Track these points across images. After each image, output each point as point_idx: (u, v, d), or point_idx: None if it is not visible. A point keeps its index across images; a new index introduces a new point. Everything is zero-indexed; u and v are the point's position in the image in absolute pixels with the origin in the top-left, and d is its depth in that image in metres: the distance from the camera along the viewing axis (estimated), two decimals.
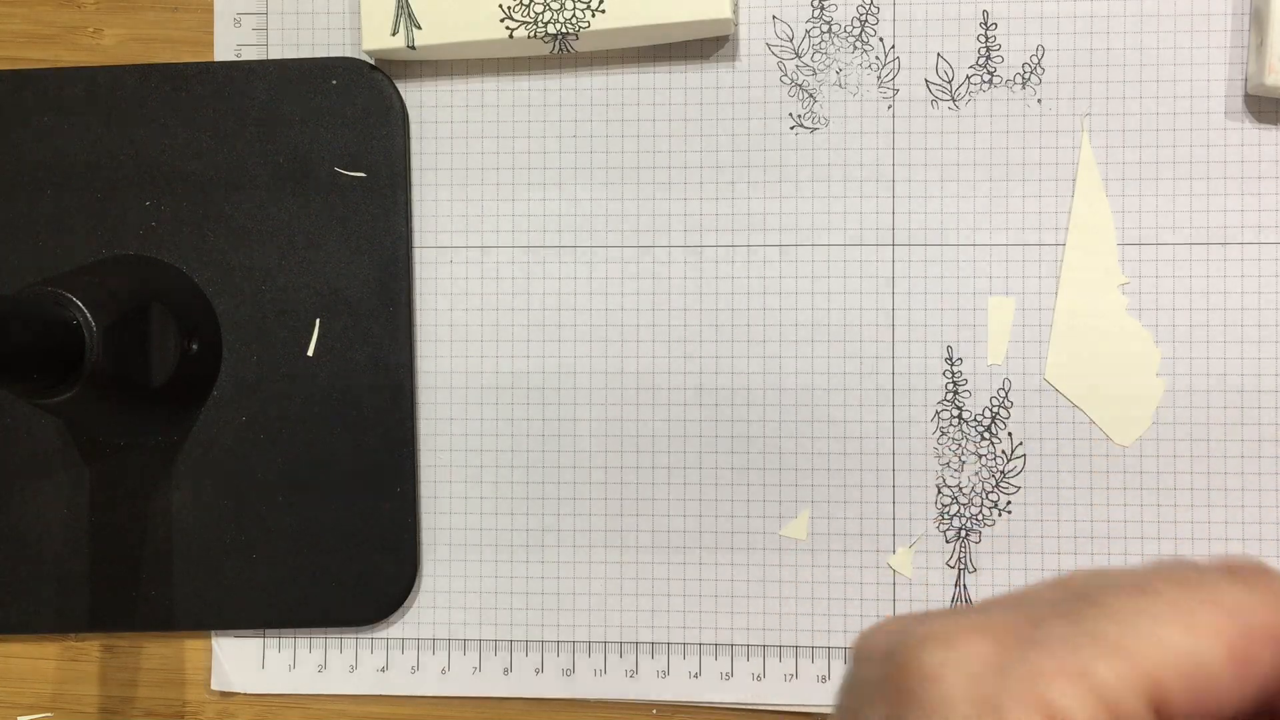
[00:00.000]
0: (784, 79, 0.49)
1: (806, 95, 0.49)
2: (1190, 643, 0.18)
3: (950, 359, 0.48)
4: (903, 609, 0.49)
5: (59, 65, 0.51)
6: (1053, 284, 0.48)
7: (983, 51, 0.48)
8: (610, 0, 0.47)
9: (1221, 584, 0.19)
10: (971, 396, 0.48)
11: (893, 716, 0.19)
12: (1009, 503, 0.48)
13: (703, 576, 0.49)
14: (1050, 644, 0.19)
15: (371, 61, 0.50)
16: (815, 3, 0.49)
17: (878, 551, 0.48)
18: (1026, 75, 0.48)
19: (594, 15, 0.47)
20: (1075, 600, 0.19)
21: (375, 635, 0.50)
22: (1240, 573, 0.19)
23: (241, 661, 0.50)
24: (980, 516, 0.48)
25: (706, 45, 0.49)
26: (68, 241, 0.50)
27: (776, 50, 0.49)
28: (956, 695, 0.19)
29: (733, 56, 0.49)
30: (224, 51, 0.51)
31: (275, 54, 0.51)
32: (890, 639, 0.21)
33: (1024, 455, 0.48)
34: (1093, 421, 0.48)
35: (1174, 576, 0.19)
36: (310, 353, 0.49)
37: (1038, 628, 0.19)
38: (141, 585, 0.50)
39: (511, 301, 0.50)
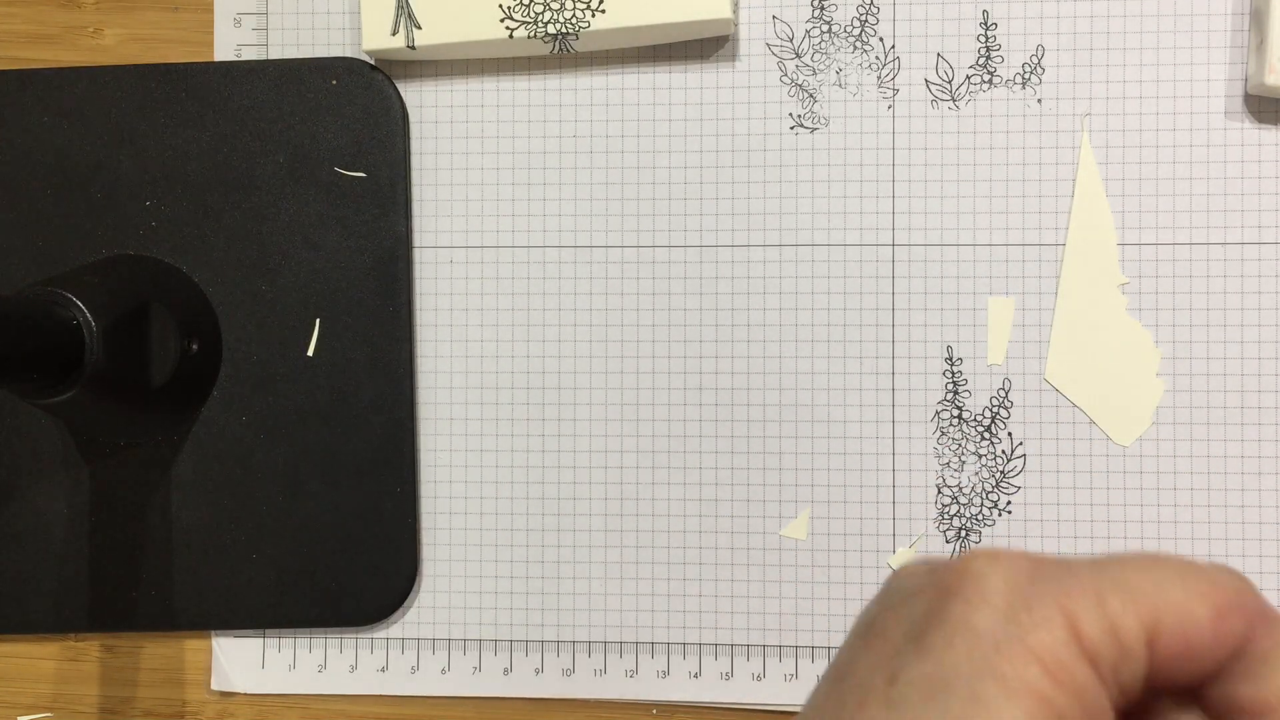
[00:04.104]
0: (784, 79, 0.49)
1: (806, 95, 0.49)
2: (1185, 597, 0.22)
3: (950, 359, 0.48)
4: None
5: (59, 65, 0.51)
6: (1053, 284, 0.48)
7: (983, 51, 0.48)
8: (610, 0, 0.47)
9: (1214, 567, 0.23)
10: (971, 396, 0.48)
11: (933, 609, 0.23)
12: (1009, 503, 0.48)
13: (703, 576, 0.49)
14: (1078, 573, 0.23)
15: (371, 61, 0.50)
16: (815, 3, 0.49)
17: (878, 551, 0.48)
18: (1026, 75, 0.48)
19: (594, 15, 0.47)
20: (1100, 557, 0.24)
21: (375, 635, 0.50)
22: (1228, 567, 0.23)
23: (241, 661, 0.50)
24: (980, 516, 0.48)
25: (706, 45, 0.49)
26: (68, 241, 0.50)
27: (776, 50, 0.49)
28: (996, 590, 0.22)
29: (733, 56, 0.49)
30: (224, 51, 0.51)
31: (275, 54, 0.51)
32: (934, 561, 0.25)
33: (1024, 455, 0.48)
34: (1093, 421, 0.48)
35: (1179, 557, 0.23)
36: (310, 352, 0.49)
37: (1069, 564, 0.23)
38: (141, 585, 0.50)
39: (511, 301, 0.50)
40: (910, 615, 0.23)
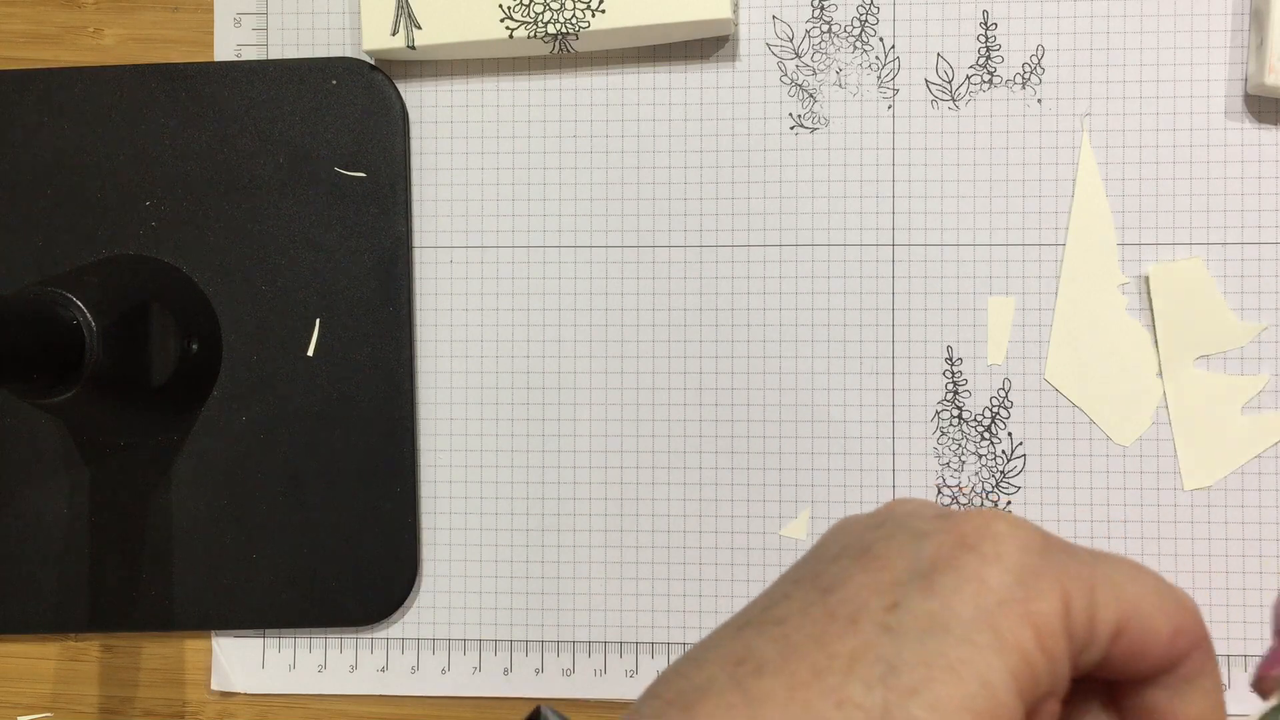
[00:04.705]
0: (784, 79, 0.49)
1: (806, 95, 0.49)
2: (1154, 609, 0.25)
3: (950, 359, 0.48)
4: None
5: (59, 65, 0.51)
6: (1053, 284, 0.48)
7: (983, 51, 0.48)
8: (610, 0, 0.47)
9: (1180, 592, 0.26)
10: (971, 396, 0.48)
11: (945, 554, 0.24)
12: (1009, 503, 0.48)
13: (703, 576, 0.49)
14: (1079, 558, 0.25)
15: (371, 61, 0.50)
16: (815, 3, 0.49)
17: None
18: (1026, 75, 0.48)
19: (594, 15, 0.47)
20: (1096, 551, 0.26)
21: (375, 635, 0.50)
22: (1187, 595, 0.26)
23: (241, 661, 0.50)
24: None
25: (706, 45, 0.49)
26: (68, 241, 0.50)
27: (776, 50, 0.49)
28: (1012, 553, 0.24)
29: (733, 56, 0.49)
30: (224, 51, 0.51)
31: (275, 54, 0.51)
32: (937, 507, 0.26)
33: (1024, 455, 0.48)
34: (1093, 421, 0.48)
35: (1157, 575, 0.26)
36: (310, 353, 0.49)
37: (1073, 549, 0.25)
38: (141, 585, 0.50)
39: (511, 301, 0.50)
40: (917, 552, 0.25)
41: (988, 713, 0.22)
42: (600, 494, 0.49)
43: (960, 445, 0.48)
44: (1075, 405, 0.48)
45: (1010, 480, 0.48)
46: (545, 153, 0.50)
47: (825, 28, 0.49)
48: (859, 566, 0.25)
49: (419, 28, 0.48)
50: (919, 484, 0.48)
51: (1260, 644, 0.47)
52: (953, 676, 0.22)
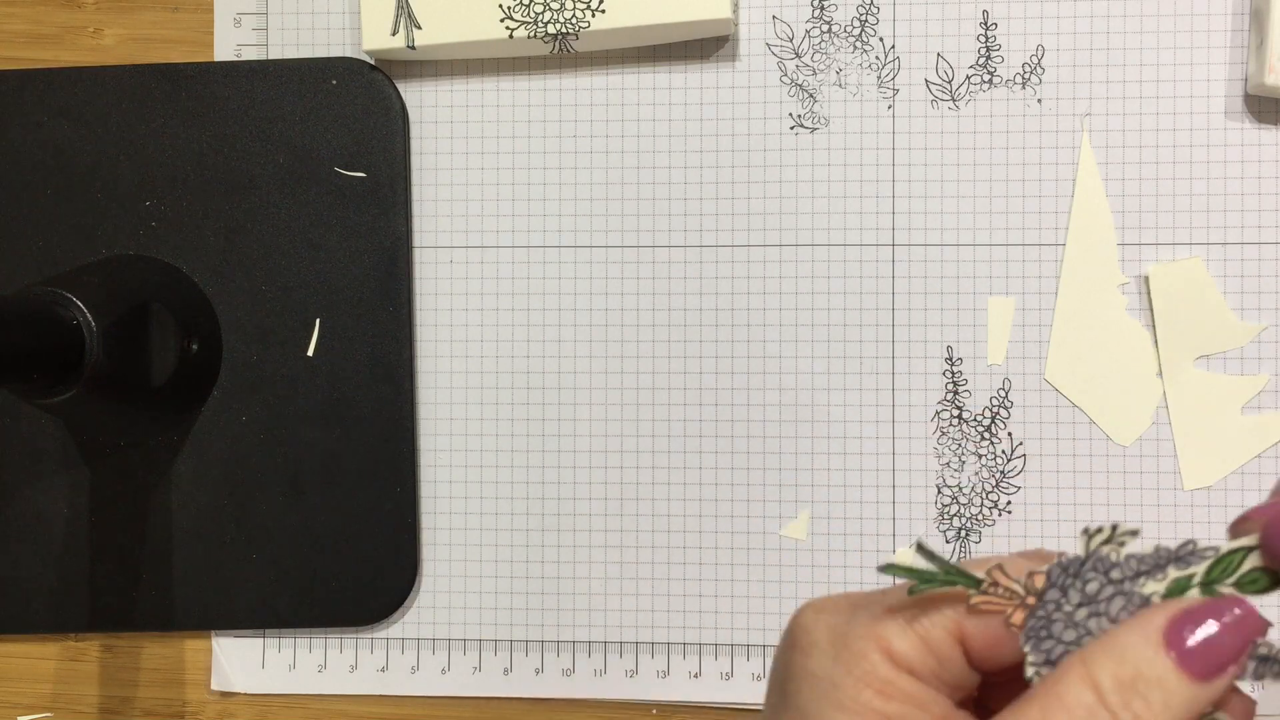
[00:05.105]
0: (784, 79, 0.49)
1: (806, 95, 0.49)
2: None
3: (950, 359, 0.48)
4: None
5: (59, 65, 0.51)
6: (1053, 284, 0.48)
7: (983, 51, 0.48)
8: (610, 0, 0.47)
9: (1017, 558, 0.27)
10: (971, 396, 0.48)
11: (786, 663, 0.27)
12: (1009, 503, 0.48)
13: (703, 576, 0.49)
14: (888, 604, 0.27)
15: (371, 61, 0.50)
16: (815, 3, 0.49)
17: (878, 551, 0.48)
18: (1026, 75, 0.48)
19: (594, 15, 0.47)
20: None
21: (375, 635, 0.50)
22: (1036, 552, 0.28)
23: (241, 661, 0.50)
24: (980, 516, 0.48)
25: (706, 45, 0.49)
26: (68, 241, 0.50)
27: (776, 50, 0.49)
28: (821, 636, 0.27)
29: (733, 56, 0.49)
30: (224, 51, 0.51)
31: (275, 54, 0.51)
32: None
33: (1024, 455, 0.48)
34: (1093, 421, 0.48)
35: (995, 558, 0.27)
36: (310, 352, 0.49)
37: (882, 596, 0.27)
38: (141, 585, 0.50)
39: (511, 301, 0.50)
40: (777, 673, 0.28)
41: None
42: (600, 494, 0.49)
43: (960, 445, 0.48)
44: (1075, 405, 0.48)
45: (1010, 480, 0.48)
46: (545, 153, 0.50)
47: (825, 28, 0.49)
48: (765, 702, 0.28)
49: (419, 28, 0.48)
50: (919, 484, 0.48)
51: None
52: None
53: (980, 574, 0.27)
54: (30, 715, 0.51)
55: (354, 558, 0.49)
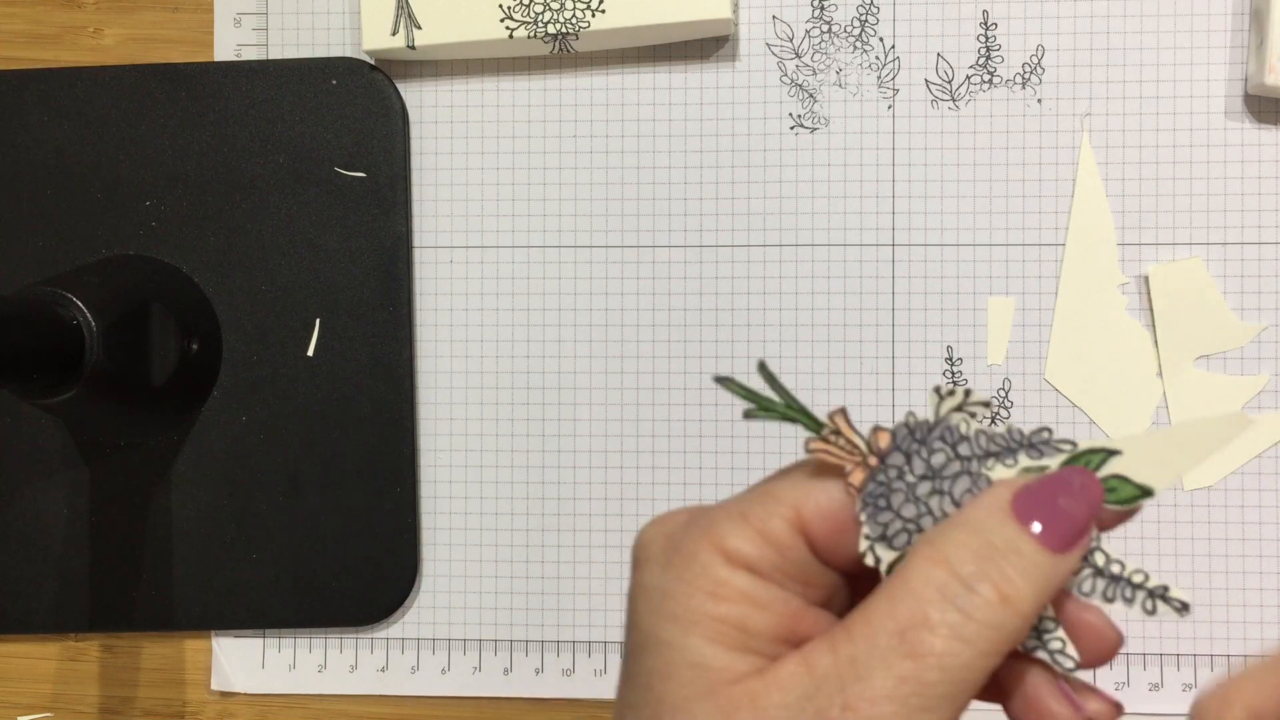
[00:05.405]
0: (784, 79, 0.49)
1: (806, 95, 0.49)
2: (820, 483, 0.25)
3: (950, 359, 0.48)
4: None
5: (59, 65, 0.51)
6: (1053, 284, 0.48)
7: (983, 51, 0.48)
8: (610, 0, 0.47)
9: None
10: None
11: (631, 583, 0.26)
12: None
13: None
14: (726, 505, 0.26)
15: (371, 61, 0.50)
16: (815, 3, 0.49)
17: None
18: (1026, 75, 0.48)
19: (594, 15, 0.47)
20: (763, 480, 0.26)
21: (375, 635, 0.50)
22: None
23: (241, 661, 0.50)
24: None
25: (706, 45, 0.49)
26: (68, 241, 0.50)
27: (776, 50, 0.49)
28: (657, 547, 0.25)
29: (733, 56, 0.49)
30: (224, 51, 0.51)
31: (275, 54, 0.51)
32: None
33: None
34: (1093, 421, 0.48)
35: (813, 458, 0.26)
36: (310, 353, 0.49)
37: (728, 501, 0.26)
38: (141, 585, 0.50)
39: (511, 301, 0.50)
40: (628, 595, 0.27)
41: (707, 687, 0.23)
42: (600, 494, 0.49)
43: None
44: (1075, 405, 0.48)
45: None
46: (545, 153, 0.50)
47: (825, 28, 0.49)
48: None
49: (419, 28, 0.48)
50: None
51: (1260, 644, 0.47)
52: (666, 683, 0.24)
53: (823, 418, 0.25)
54: (30, 715, 0.51)
55: (354, 558, 0.49)
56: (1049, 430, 0.25)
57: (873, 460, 0.25)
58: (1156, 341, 0.48)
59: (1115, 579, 0.25)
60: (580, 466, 0.49)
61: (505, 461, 0.50)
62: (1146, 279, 0.48)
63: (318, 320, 0.49)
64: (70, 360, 0.42)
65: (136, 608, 0.50)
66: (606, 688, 0.49)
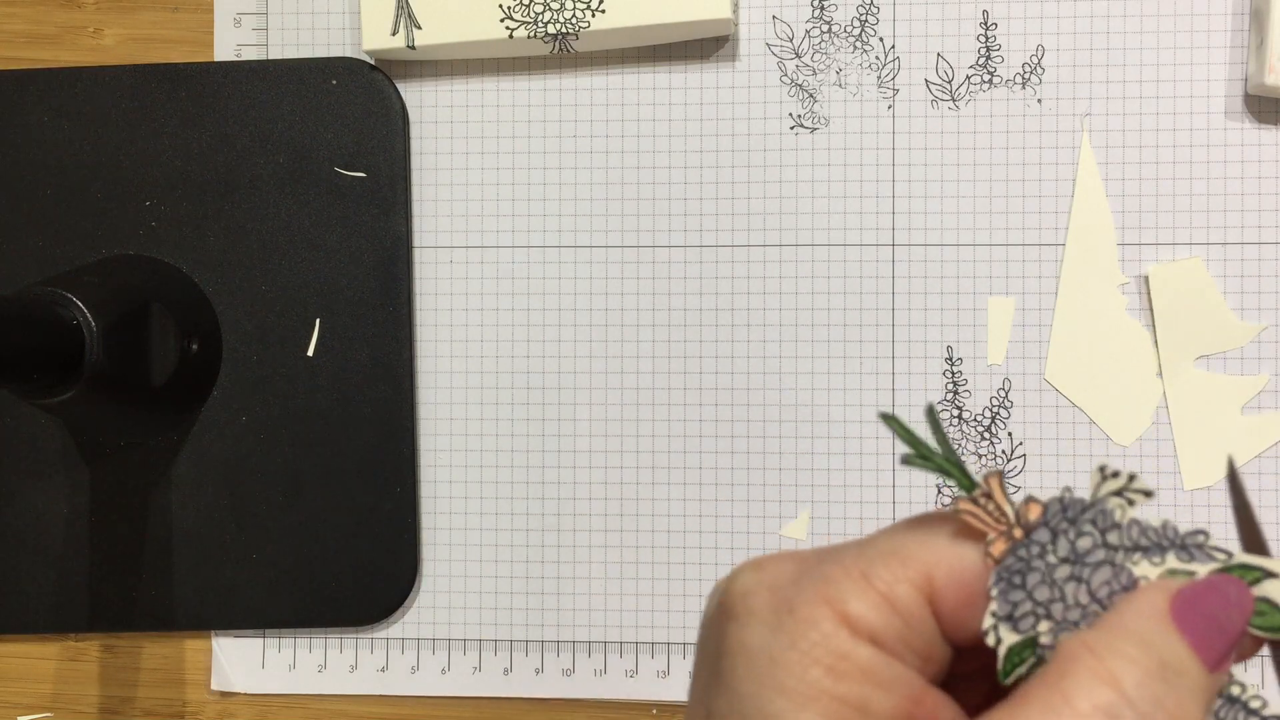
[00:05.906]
0: (784, 79, 0.49)
1: (806, 95, 0.49)
2: (956, 547, 0.22)
3: (950, 359, 0.48)
4: None
5: (59, 65, 0.51)
6: (1053, 284, 0.48)
7: (983, 51, 0.48)
8: (610, 0, 0.47)
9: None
10: (971, 396, 0.48)
11: (720, 636, 0.23)
12: None
13: (703, 576, 0.49)
14: (841, 558, 0.22)
15: (371, 61, 0.50)
16: (815, 3, 0.49)
17: None
18: (1026, 75, 0.48)
19: (594, 15, 0.47)
20: (868, 535, 0.23)
21: (375, 635, 0.50)
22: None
23: (241, 661, 0.50)
24: None
25: (706, 45, 0.49)
26: (68, 241, 0.50)
27: (776, 50, 0.49)
28: (762, 602, 0.22)
29: (733, 56, 0.49)
30: (224, 51, 0.51)
31: (275, 54, 0.51)
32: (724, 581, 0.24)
33: (1024, 455, 0.48)
34: (1093, 421, 0.48)
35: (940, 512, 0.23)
36: (310, 352, 0.49)
37: (834, 552, 0.23)
38: (141, 585, 0.50)
39: (511, 301, 0.50)
40: (707, 648, 0.23)
41: None
42: (600, 494, 0.49)
43: (960, 445, 0.48)
44: (1075, 405, 0.48)
45: (1010, 480, 0.48)
46: (545, 153, 0.50)
47: (825, 28, 0.49)
48: (691, 683, 0.24)
49: (419, 28, 0.48)
50: (918, 484, 0.48)
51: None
52: None
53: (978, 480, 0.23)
54: (30, 715, 0.51)
55: (354, 558, 0.49)
56: (1205, 534, 0.23)
57: (1018, 532, 0.23)
58: (1156, 341, 0.48)
59: (1232, 701, 0.23)
60: (580, 466, 0.49)
61: (505, 461, 0.50)
62: (1146, 279, 0.48)
63: (318, 320, 0.49)
64: (70, 360, 0.42)
65: (136, 608, 0.50)
66: (606, 688, 0.49)
